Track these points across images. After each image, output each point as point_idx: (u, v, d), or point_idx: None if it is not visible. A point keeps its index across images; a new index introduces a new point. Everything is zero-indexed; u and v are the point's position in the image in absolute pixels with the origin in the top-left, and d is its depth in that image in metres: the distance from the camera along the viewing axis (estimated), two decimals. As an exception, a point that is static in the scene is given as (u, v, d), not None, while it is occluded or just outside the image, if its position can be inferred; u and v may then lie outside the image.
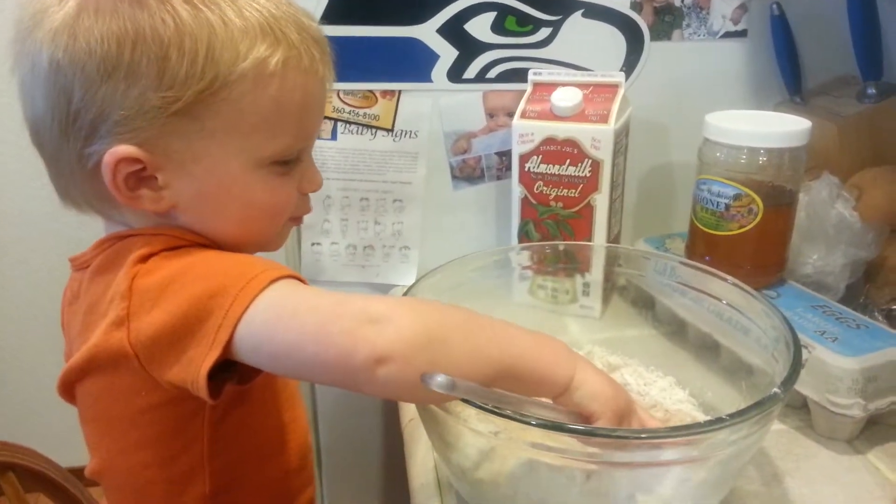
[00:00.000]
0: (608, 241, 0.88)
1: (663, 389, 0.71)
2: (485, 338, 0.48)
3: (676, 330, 0.79)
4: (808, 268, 0.81)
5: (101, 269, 0.53)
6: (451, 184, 0.99)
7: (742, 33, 0.95)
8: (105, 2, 0.48)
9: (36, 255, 1.59)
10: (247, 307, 0.45)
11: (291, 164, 0.56)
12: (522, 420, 0.48)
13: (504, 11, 0.91)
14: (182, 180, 0.52)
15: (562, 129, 0.83)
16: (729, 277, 0.67)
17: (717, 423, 0.48)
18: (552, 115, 0.84)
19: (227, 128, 0.51)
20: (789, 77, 0.94)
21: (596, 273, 0.84)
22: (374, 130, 0.95)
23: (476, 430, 0.53)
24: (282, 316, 0.46)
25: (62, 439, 1.08)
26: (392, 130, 0.95)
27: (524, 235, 0.90)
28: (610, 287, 0.87)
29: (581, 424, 0.50)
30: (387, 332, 0.44)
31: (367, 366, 0.43)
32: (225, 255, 0.52)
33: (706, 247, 0.81)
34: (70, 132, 0.50)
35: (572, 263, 0.84)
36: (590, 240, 0.87)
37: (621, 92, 0.84)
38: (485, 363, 0.46)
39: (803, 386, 0.68)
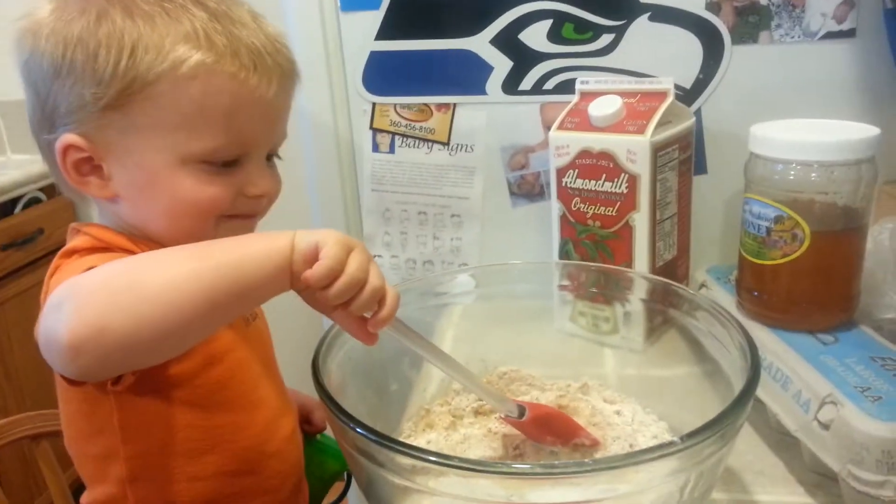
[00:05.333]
0: (655, 266, 0.78)
1: (654, 437, 0.61)
2: (186, 261, 0.47)
3: (713, 370, 0.69)
4: (891, 311, 0.66)
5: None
6: (509, 200, 0.95)
7: (849, 33, 0.81)
8: (65, 12, 0.54)
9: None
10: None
11: (230, 166, 0.57)
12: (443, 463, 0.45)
13: (561, 19, 0.86)
14: (119, 171, 0.57)
15: (597, 141, 0.76)
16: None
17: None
18: (589, 126, 0.78)
19: (151, 124, 0.54)
20: (911, 82, 0.78)
21: (635, 303, 0.75)
22: (430, 144, 0.95)
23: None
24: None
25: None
26: (448, 144, 0.94)
27: (565, 256, 0.83)
28: (652, 318, 0.77)
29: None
30: (67, 315, 0.44)
31: (79, 346, 0.44)
32: (106, 257, 0.55)
33: (753, 278, 0.69)
34: (41, 123, 0.57)
35: (610, 290, 0.76)
36: (630, 264, 0.78)
37: (669, 100, 0.76)
38: (195, 282, 0.46)
39: (824, 452, 0.55)
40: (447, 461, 0.46)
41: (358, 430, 0.47)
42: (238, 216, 0.60)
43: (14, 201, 1.70)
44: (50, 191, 1.79)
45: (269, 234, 0.50)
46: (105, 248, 0.56)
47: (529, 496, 0.47)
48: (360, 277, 0.48)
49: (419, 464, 0.47)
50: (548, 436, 0.60)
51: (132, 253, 0.57)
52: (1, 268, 1.61)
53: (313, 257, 0.48)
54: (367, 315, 0.51)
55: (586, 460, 0.55)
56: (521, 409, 0.59)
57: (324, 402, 0.51)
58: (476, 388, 0.59)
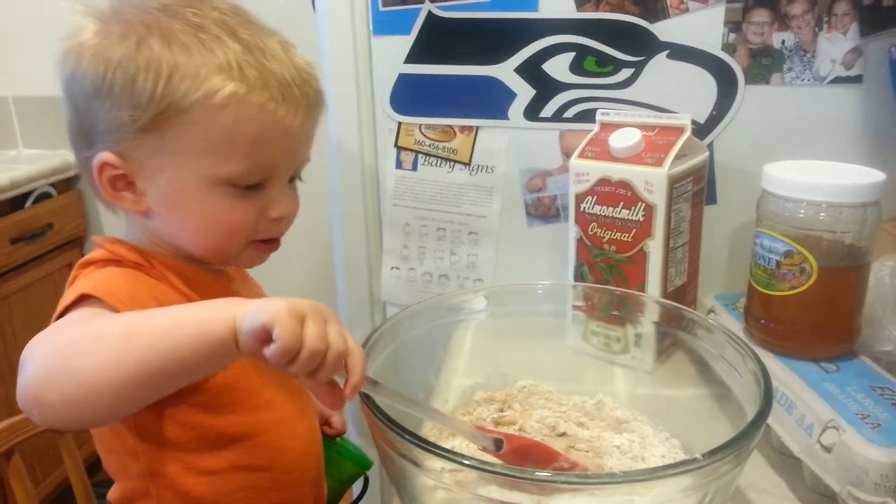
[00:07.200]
0: (666, 291, 0.82)
1: (663, 456, 0.65)
2: (116, 343, 0.49)
3: (723, 393, 0.73)
4: (889, 344, 0.70)
5: None
6: (525, 221, 0.99)
7: (856, 79, 0.85)
8: (107, 37, 0.58)
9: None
10: (60, 314, 0.55)
11: (254, 188, 0.61)
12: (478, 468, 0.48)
13: (583, 52, 0.91)
14: (152, 189, 0.60)
15: (616, 171, 0.80)
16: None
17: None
18: (609, 156, 0.82)
19: (183, 148, 0.58)
20: (913, 129, 0.83)
21: (647, 325, 0.79)
22: (451, 164, 0.99)
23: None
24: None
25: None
26: (469, 164, 0.98)
27: (580, 278, 0.87)
28: (662, 340, 0.82)
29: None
30: (22, 378, 0.50)
31: (28, 410, 0.50)
32: (113, 272, 0.60)
33: (761, 307, 0.73)
34: (80, 139, 0.61)
35: (622, 312, 0.80)
36: (643, 288, 0.82)
37: (686, 135, 0.80)
38: (122, 366, 0.48)
39: (826, 473, 0.59)
40: (482, 466, 0.49)
41: (404, 435, 0.51)
42: (261, 242, 0.65)
43: (25, 196, 1.72)
44: (60, 186, 1.81)
45: (207, 309, 0.49)
46: (118, 261, 0.61)
47: (551, 502, 0.51)
48: (319, 348, 0.47)
49: (450, 465, 0.50)
50: (527, 463, 0.61)
51: (140, 267, 0.61)
52: (9, 261, 1.64)
53: (265, 337, 0.46)
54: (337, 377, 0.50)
55: (617, 472, 0.59)
56: (499, 443, 0.60)
57: (365, 405, 0.54)
58: (452, 427, 0.63)
